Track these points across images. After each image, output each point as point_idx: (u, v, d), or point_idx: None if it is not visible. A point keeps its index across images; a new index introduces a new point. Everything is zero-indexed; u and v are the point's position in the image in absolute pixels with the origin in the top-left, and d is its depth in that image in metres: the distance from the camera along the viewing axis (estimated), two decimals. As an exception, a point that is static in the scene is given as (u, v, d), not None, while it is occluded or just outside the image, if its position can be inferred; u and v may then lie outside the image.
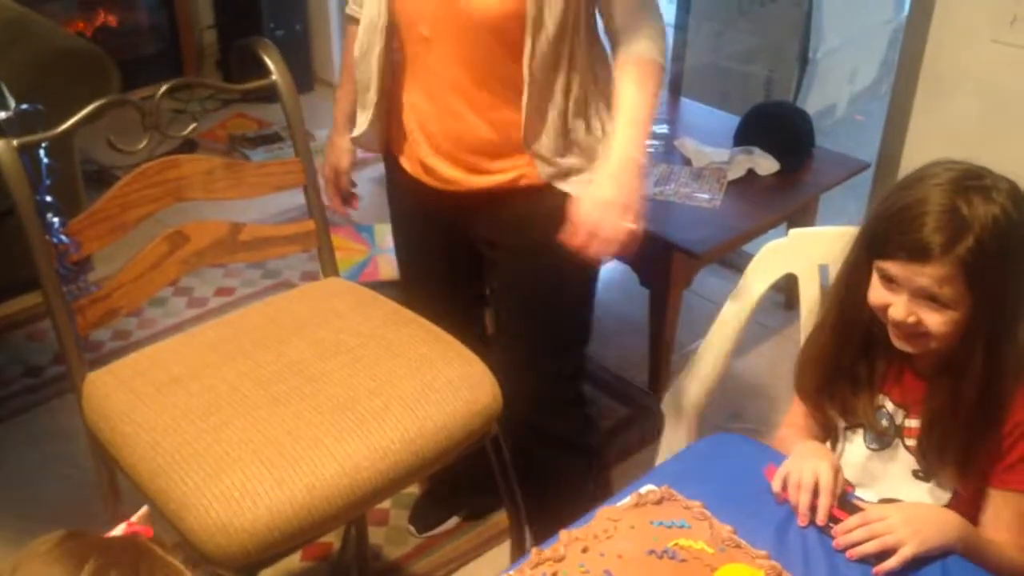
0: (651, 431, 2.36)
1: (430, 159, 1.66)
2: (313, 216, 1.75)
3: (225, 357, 1.50)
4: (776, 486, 1.30)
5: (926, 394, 1.31)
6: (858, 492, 1.38)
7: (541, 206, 1.62)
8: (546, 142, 1.58)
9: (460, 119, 1.60)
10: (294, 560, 2.17)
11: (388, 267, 2.76)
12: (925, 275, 1.20)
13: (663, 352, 2.49)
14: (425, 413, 1.42)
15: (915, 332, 1.25)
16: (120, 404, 1.43)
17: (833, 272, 1.76)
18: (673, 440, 1.65)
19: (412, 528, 2.23)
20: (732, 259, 2.93)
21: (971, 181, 1.22)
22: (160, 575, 0.77)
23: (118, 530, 0.86)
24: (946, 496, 1.33)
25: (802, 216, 2.60)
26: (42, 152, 1.60)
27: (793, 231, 1.84)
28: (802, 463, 1.29)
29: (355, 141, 1.76)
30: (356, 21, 1.69)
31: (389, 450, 1.36)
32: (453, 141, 1.63)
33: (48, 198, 1.52)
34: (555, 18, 1.50)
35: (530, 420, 1.79)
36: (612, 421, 2.47)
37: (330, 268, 1.75)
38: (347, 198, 1.91)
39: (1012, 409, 1.26)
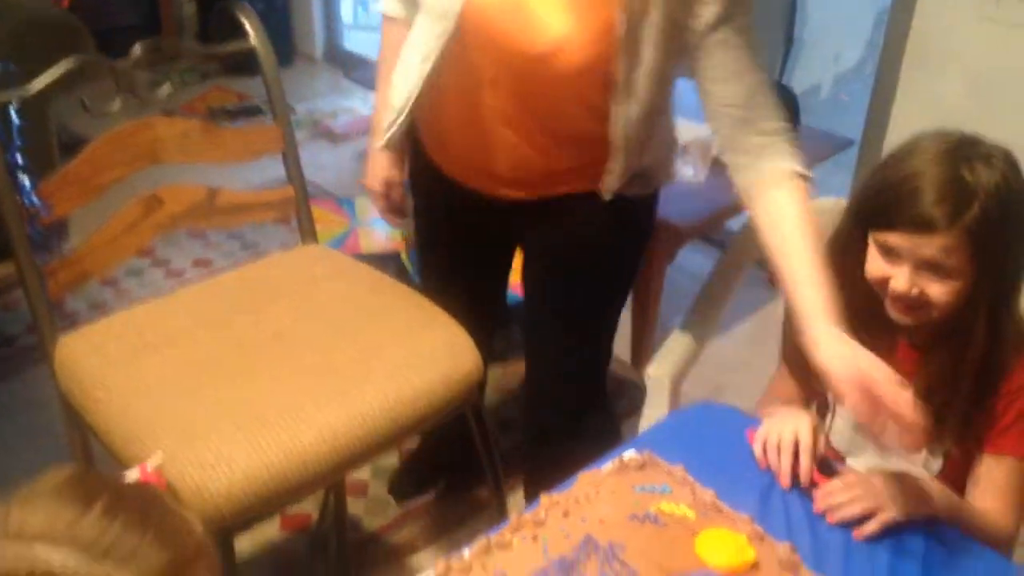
0: (633, 404, 2.35)
1: (474, 175, 1.55)
2: (292, 184, 1.72)
3: (201, 322, 1.47)
4: (757, 449, 1.29)
5: (921, 365, 1.30)
6: (849, 461, 1.37)
7: (598, 214, 1.53)
8: (619, 171, 1.48)
9: (517, 151, 1.48)
10: (272, 530, 2.16)
11: (369, 240, 2.73)
12: (931, 246, 1.19)
13: (646, 326, 2.48)
14: (405, 380, 1.40)
15: (917, 303, 1.23)
16: (93, 369, 1.40)
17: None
18: (655, 410, 1.64)
19: (391, 497, 2.21)
20: (716, 235, 2.92)
21: (970, 149, 1.21)
22: (170, 525, 0.75)
23: (132, 473, 0.83)
24: (936, 464, 1.32)
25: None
26: (14, 114, 1.57)
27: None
28: (781, 424, 1.28)
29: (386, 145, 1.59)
30: (393, 20, 1.58)
31: (367, 416, 1.34)
32: (509, 167, 1.51)
33: (19, 160, 1.49)
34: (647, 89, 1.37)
35: (553, 421, 1.78)
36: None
37: (309, 235, 1.73)
38: (401, 210, 1.74)
39: (1009, 374, 1.26)
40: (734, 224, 2.56)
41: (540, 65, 1.34)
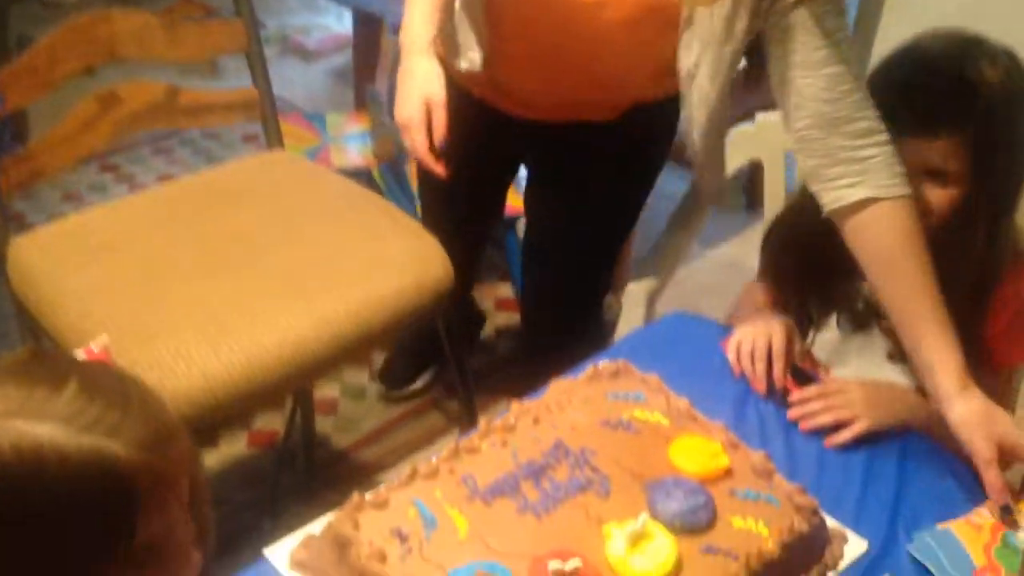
0: (608, 327, 2.33)
1: (503, 98, 1.49)
2: (256, 85, 1.64)
3: (160, 225, 1.42)
4: (731, 355, 1.27)
5: None
6: (833, 374, 1.35)
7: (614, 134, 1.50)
8: None
9: (559, 85, 1.42)
10: (240, 447, 2.13)
11: (341, 156, 2.66)
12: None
13: (622, 250, 2.43)
14: (372, 286, 1.35)
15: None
16: (47, 270, 1.34)
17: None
18: (630, 324, 1.61)
19: (384, 387, 2.20)
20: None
21: (972, 48, 1.16)
22: (148, 401, 0.71)
23: (78, 354, 0.79)
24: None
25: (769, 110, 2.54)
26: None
27: (760, 116, 1.78)
28: (755, 330, 1.26)
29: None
30: None
31: (333, 321, 1.30)
32: (546, 97, 1.45)
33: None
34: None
35: (552, 342, 1.76)
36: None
37: (275, 140, 1.66)
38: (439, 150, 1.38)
39: (1002, 285, 1.24)
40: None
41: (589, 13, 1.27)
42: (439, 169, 1.30)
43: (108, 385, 0.70)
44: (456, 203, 1.74)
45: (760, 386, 1.24)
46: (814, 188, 1.18)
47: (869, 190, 1.13)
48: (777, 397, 1.25)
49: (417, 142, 1.28)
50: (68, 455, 0.63)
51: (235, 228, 1.42)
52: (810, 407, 1.20)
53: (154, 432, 0.68)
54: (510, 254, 2.38)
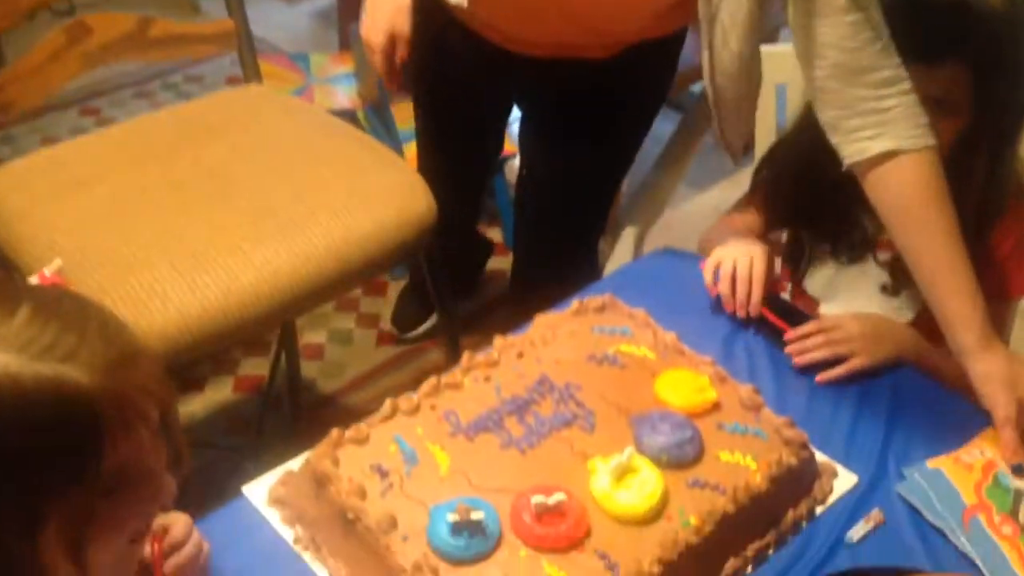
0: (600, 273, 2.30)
1: (497, 34, 1.45)
2: (232, 15, 1.58)
3: (134, 159, 1.37)
4: (708, 276, 1.24)
5: None
6: (822, 308, 1.33)
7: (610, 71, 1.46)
8: None
9: (561, 26, 1.37)
10: (226, 392, 2.11)
11: (325, 97, 2.60)
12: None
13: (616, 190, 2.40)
14: (353, 221, 1.31)
15: None
16: (17, 204, 1.30)
17: (793, 92, 1.67)
18: (618, 261, 1.58)
19: (395, 329, 2.19)
20: (683, 100, 2.81)
21: None
22: (108, 323, 0.67)
23: (31, 280, 0.75)
24: (915, 310, 1.28)
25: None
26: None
27: (752, 48, 1.74)
28: (735, 251, 1.23)
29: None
30: None
31: (312, 256, 1.26)
32: (547, 37, 1.41)
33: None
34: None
35: (542, 281, 1.72)
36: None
37: (253, 74, 1.61)
38: (399, 73, 1.56)
39: (1002, 218, 1.21)
40: (697, 88, 2.47)
41: None
42: (391, 85, 1.56)
43: (63, 308, 0.66)
44: (455, 141, 1.73)
45: (737, 310, 1.22)
46: (834, 140, 1.13)
47: (891, 142, 1.08)
48: (755, 324, 1.22)
49: (377, 64, 1.50)
50: (24, 384, 0.60)
51: (211, 162, 1.38)
52: (807, 342, 1.18)
53: (115, 355, 0.65)
54: (499, 196, 2.34)
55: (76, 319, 0.65)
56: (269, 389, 2.02)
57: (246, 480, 1.05)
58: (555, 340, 1.16)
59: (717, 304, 1.26)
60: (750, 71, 1.28)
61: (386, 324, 2.28)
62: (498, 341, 1.15)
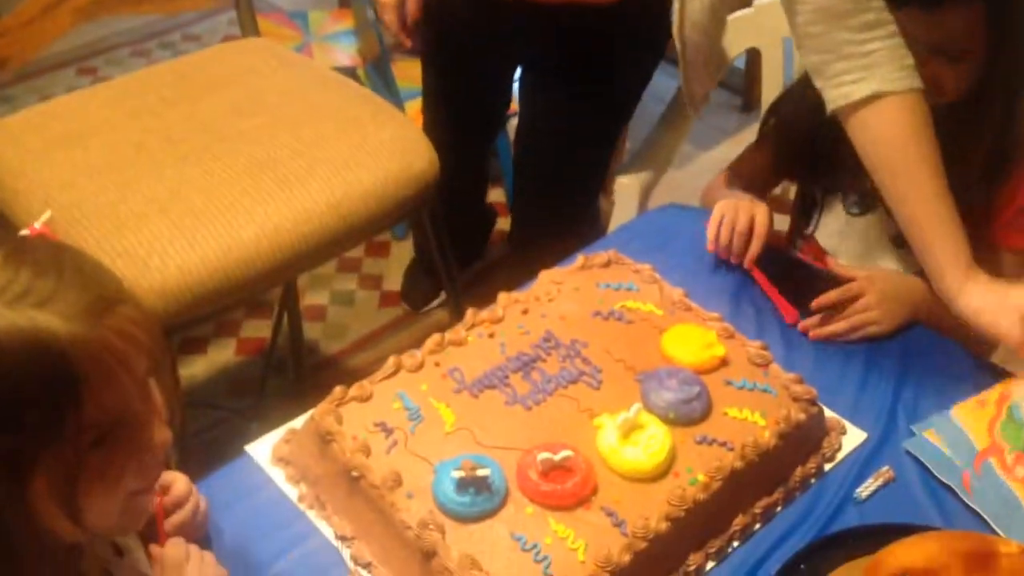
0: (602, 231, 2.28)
1: None
2: (229, -33, 1.55)
3: (129, 114, 1.34)
4: (711, 231, 1.23)
5: None
6: (833, 261, 1.31)
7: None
8: None
9: None
10: (228, 354, 2.10)
11: (325, 54, 2.56)
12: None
13: (617, 150, 2.37)
14: (354, 176, 1.29)
15: (927, 87, 1.14)
16: (10, 160, 1.27)
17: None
18: (622, 217, 1.56)
19: (406, 305, 2.18)
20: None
21: None
22: (86, 268, 0.65)
23: (21, 234, 0.73)
24: None
25: None
26: None
27: (759, 1, 1.70)
28: (737, 206, 1.22)
29: None
30: None
31: (313, 212, 1.24)
32: None
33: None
34: None
35: (543, 236, 1.72)
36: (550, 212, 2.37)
37: (250, 28, 1.58)
38: (411, 30, 1.64)
39: (1018, 166, 1.18)
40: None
41: None
42: (407, 42, 1.61)
43: (37, 255, 0.64)
44: (464, 99, 1.73)
45: (734, 259, 1.23)
46: (818, 85, 1.10)
47: (876, 83, 1.05)
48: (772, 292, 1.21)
49: (390, 22, 1.59)
50: None
51: (209, 116, 1.35)
52: (828, 328, 1.17)
53: (92, 300, 0.63)
54: (502, 155, 2.31)
55: (50, 264, 0.63)
56: (271, 351, 2.01)
57: (250, 441, 1.04)
58: (560, 296, 1.15)
59: (718, 259, 1.25)
60: (719, 22, 1.26)
61: (388, 285, 2.26)
62: (502, 297, 1.14)
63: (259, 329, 2.13)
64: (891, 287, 1.20)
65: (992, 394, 1.06)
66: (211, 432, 1.85)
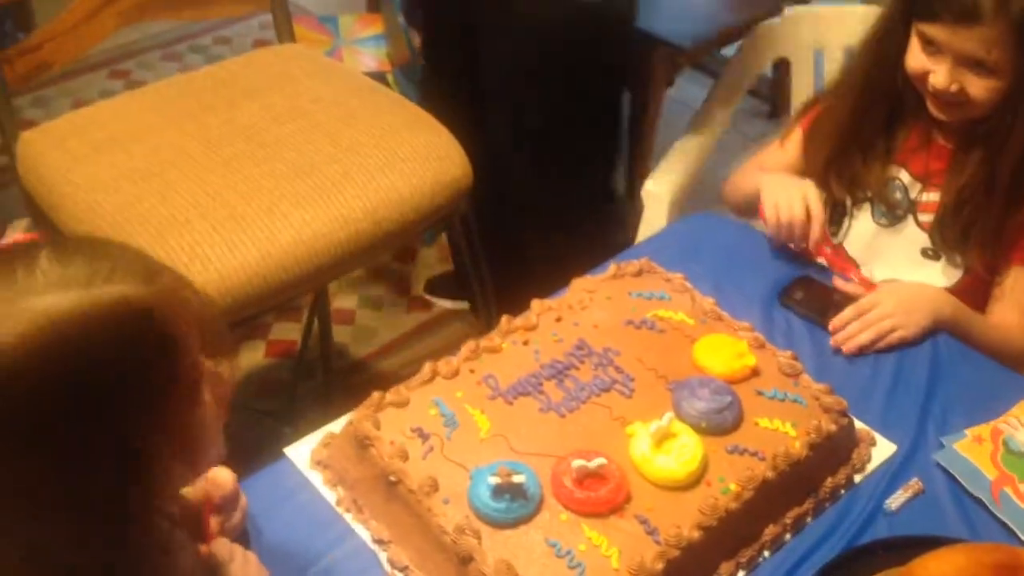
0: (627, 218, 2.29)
1: None
2: (266, -26, 1.58)
3: (169, 119, 1.37)
4: (769, 216, 1.24)
5: (951, 165, 1.23)
6: (862, 271, 1.32)
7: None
8: None
9: None
10: (258, 357, 2.12)
11: (354, 59, 2.59)
12: (973, 39, 1.10)
13: (641, 156, 2.38)
14: (389, 183, 1.31)
15: (955, 100, 1.16)
16: (56, 164, 1.30)
17: (829, 58, 1.65)
18: (652, 225, 1.57)
19: (426, 293, 2.22)
20: (715, 66, 2.78)
21: None
22: (117, 245, 0.69)
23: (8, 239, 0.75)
24: (956, 275, 1.27)
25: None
26: None
27: (789, 10, 1.71)
28: (789, 191, 1.24)
29: None
30: None
31: (349, 219, 1.26)
32: None
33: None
34: None
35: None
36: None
37: (286, 34, 1.60)
38: None
39: None
40: (728, 51, 2.43)
41: None
42: None
43: (78, 243, 0.68)
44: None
45: (817, 250, 1.26)
46: None
47: None
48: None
49: None
50: (85, 313, 0.60)
51: (247, 123, 1.38)
52: (848, 330, 1.18)
53: (145, 267, 0.66)
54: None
55: (95, 247, 0.66)
56: (302, 354, 2.03)
57: (280, 443, 1.06)
58: (592, 304, 1.16)
59: (757, 266, 1.26)
60: None
61: (417, 290, 2.28)
62: (536, 305, 1.15)
63: (288, 332, 2.15)
64: (908, 294, 1.21)
65: (984, 430, 1.08)
66: (241, 433, 1.87)
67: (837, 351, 1.18)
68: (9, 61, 1.34)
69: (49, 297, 0.60)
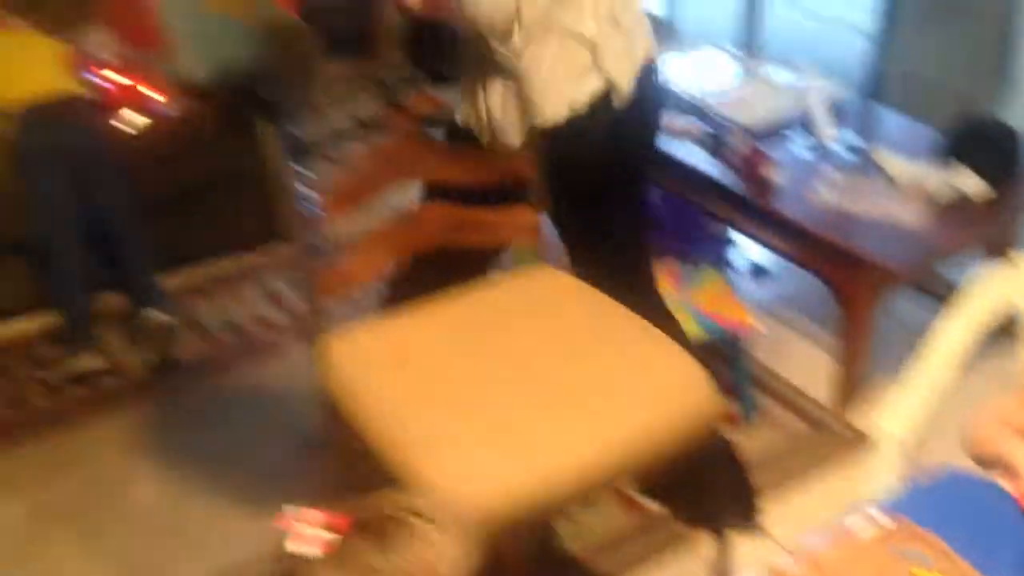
0: (831, 448, 2.30)
1: None
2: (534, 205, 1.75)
3: (453, 339, 1.54)
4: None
5: None
6: None
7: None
8: None
9: None
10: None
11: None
12: None
13: (852, 371, 2.40)
14: (643, 414, 1.42)
15: None
16: (359, 374, 1.48)
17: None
18: (885, 472, 1.57)
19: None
20: (928, 285, 2.78)
21: None
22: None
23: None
24: None
25: (1001, 240, 2.47)
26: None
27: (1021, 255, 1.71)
28: None
29: None
30: None
31: (615, 447, 1.37)
32: None
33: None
34: None
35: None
36: (785, 432, 2.40)
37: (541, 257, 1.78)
38: None
39: None
40: (954, 274, 2.44)
41: None
42: None
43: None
44: None
45: None
46: None
47: None
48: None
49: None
50: None
51: (517, 345, 1.53)
52: None
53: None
54: (736, 370, 2.39)
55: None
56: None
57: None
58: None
59: (1011, 531, 1.26)
60: None
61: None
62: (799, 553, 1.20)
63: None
64: None
65: None
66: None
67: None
68: (320, 277, 1.54)
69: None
